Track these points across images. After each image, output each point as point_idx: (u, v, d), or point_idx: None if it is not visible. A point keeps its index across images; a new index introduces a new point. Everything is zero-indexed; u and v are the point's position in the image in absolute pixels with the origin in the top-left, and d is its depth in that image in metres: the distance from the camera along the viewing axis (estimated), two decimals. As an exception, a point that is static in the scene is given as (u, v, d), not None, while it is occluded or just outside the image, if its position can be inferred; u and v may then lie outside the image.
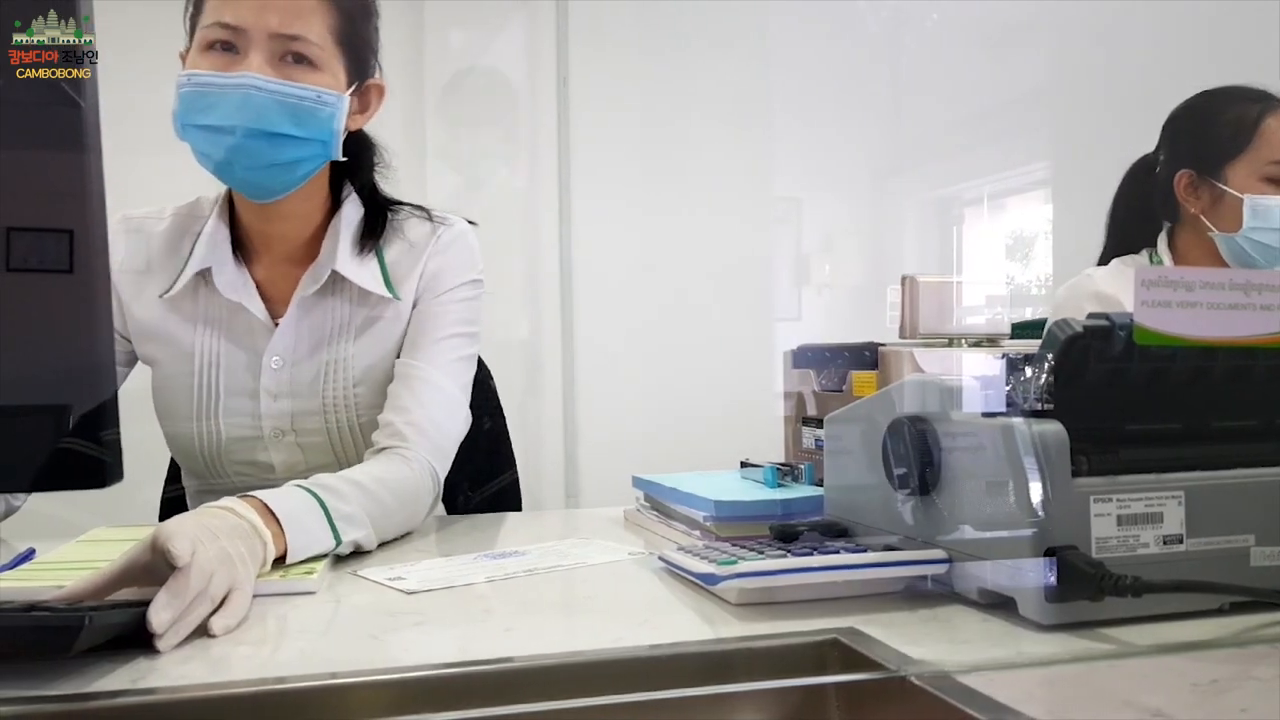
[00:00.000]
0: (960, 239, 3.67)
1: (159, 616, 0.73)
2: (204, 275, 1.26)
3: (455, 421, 1.27)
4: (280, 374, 1.26)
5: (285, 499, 0.98)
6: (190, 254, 1.26)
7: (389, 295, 1.27)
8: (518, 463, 1.65)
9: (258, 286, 1.27)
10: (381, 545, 1.10)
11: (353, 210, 1.29)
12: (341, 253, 1.26)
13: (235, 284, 1.26)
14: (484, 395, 1.65)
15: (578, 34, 3.28)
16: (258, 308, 1.26)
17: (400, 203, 1.35)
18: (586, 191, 3.27)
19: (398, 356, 1.28)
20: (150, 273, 1.28)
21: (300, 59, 1.15)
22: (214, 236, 1.26)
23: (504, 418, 1.64)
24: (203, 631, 0.77)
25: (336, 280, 1.26)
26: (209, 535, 0.83)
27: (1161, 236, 1.73)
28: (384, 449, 1.20)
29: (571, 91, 3.26)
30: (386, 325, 1.28)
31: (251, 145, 1.14)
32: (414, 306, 1.29)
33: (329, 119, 1.17)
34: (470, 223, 1.38)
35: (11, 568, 0.97)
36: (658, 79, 3.34)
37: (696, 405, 3.17)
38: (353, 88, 1.21)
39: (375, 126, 1.33)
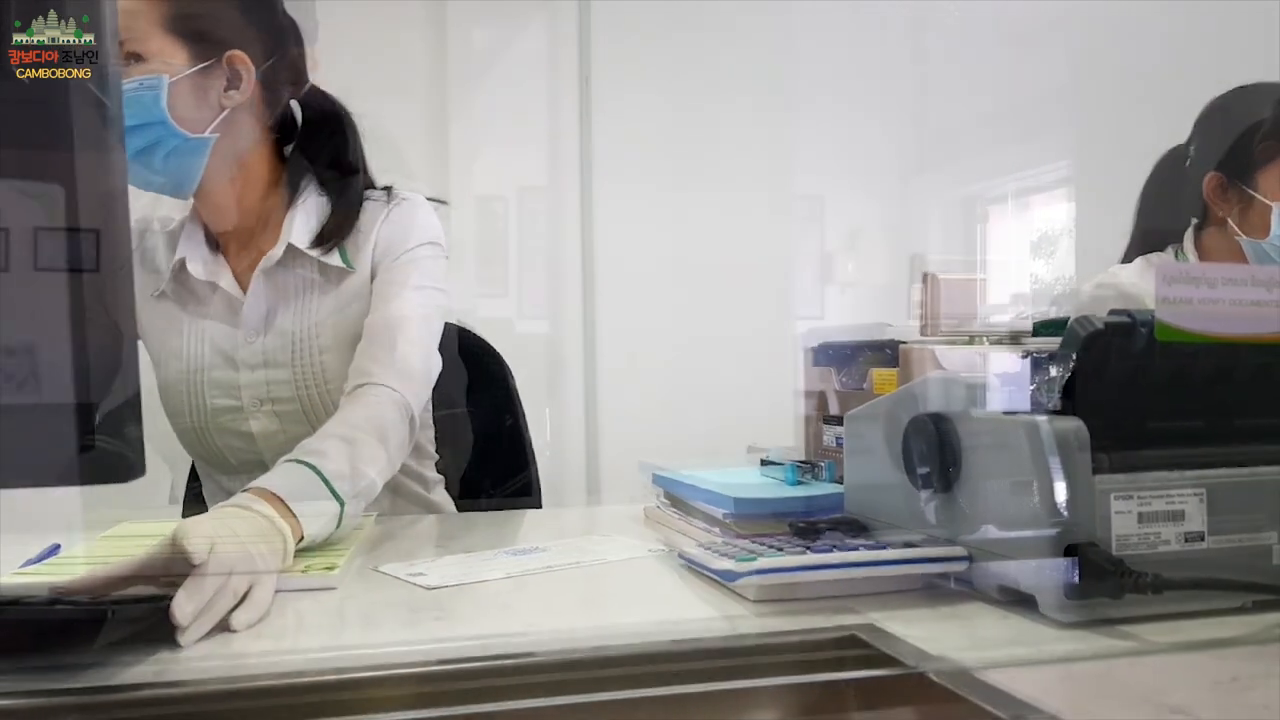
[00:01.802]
0: (984, 237, 3.64)
1: (182, 609, 0.73)
2: (185, 268, 1.34)
3: (421, 354, 1.31)
4: (254, 346, 1.33)
5: (287, 480, 1.01)
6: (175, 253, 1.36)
7: (344, 266, 1.32)
8: (540, 460, 1.66)
9: (234, 275, 1.35)
10: (401, 541, 1.12)
11: (313, 202, 1.35)
12: (299, 231, 1.32)
13: (209, 267, 1.35)
14: (504, 393, 1.66)
15: (600, 32, 3.28)
16: (229, 284, 1.34)
17: (369, 187, 1.40)
18: (608, 190, 3.27)
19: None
20: (146, 276, 1.38)
21: (129, 59, 1.20)
22: (190, 234, 1.36)
23: (523, 416, 1.66)
24: (224, 627, 0.77)
25: (296, 255, 1.32)
26: (228, 533, 0.84)
27: (1189, 233, 1.71)
28: (353, 390, 1.24)
29: (593, 90, 3.27)
30: (346, 295, 1.33)
31: None
32: (374, 278, 1.34)
33: (153, 101, 1.20)
34: (435, 200, 1.43)
35: (37, 563, 0.98)
36: (680, 77, 3.33)
37: (719, 403, 3.17)
38: (199, 67, 1.24)
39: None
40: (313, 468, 1.05)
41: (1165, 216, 1.74)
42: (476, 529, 1.25)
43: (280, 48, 1.32)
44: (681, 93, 3.33)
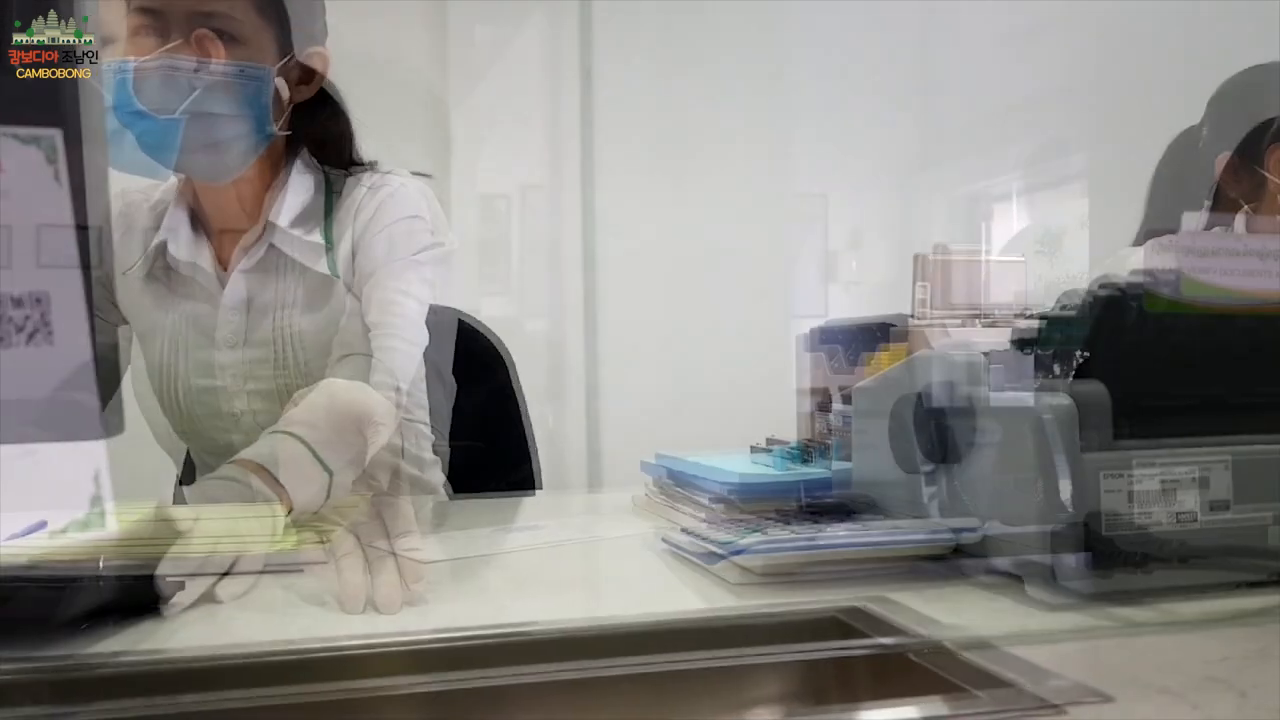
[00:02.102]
0: (989, 234, 3.63)
1: (167, 579, 0.72)
2: (167, 249, 1.32)
3: (404, 326, 1.28)
4: (234, 325, 1.31)
5: (272, 451, 0.99)
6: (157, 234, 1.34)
7: (325, 244, 1.30)
8: (542, 455, 1.64)
9: (216, 255, 1.33)
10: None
11: (299, 182, 1.32)
12: (284, 213, 1.29)
13: (190, 248, 1.32)
14: (505, 390, 1.65)
15: (601, 29, 3.27)
16: (209, 264, 1.31)
17: (359, 166, 1.38)
18: (610, 187, 3.26)
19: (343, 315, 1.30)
20: (130, 256, 1.34)
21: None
22: (173, 215, 1.33)
23: (525, 411, 1.64)
24: (210, 599, 0.75)
25: (278, 234, 1.30)
26: (213, 505, 0.82)
27: (1202, 215, 1.69)
28: (338, 361, 1.23)
29: (595, 87, 3.25)
30: (328, 274, 1.31)
31: None
32: (356, 255, 1.31)
33: (121, 84, 1.19)
34: (420, 174, 1.40)
35: (21, 537, 0.95)
36: (682, 75, 3.32)
37: (721, 403, 3.15)
38: (167, 48, 1.21)
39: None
40: (298, 438, 1.03)
41: (1177, 198, 1.72)
42: (472, 509, 1.24)
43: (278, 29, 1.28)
44: (683, 90, 3.32)
